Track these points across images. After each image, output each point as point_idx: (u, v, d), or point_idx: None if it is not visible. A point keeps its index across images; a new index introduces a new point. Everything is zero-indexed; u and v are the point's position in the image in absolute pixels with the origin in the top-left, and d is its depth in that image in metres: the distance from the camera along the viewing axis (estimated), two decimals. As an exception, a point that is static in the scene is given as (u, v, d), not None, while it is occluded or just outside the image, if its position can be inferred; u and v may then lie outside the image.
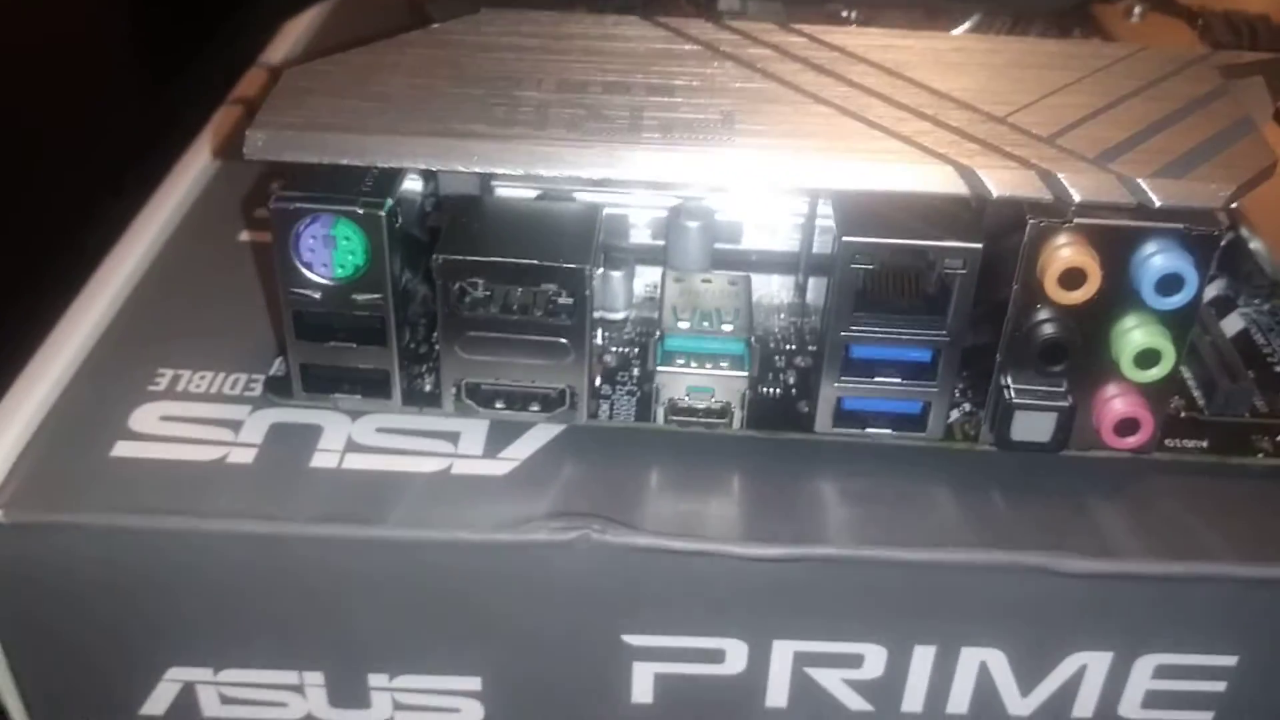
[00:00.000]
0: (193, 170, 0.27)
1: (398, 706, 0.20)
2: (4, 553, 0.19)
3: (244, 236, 0.25)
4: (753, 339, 0.20)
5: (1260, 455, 0.20)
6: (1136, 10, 0.32)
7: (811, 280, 0.23)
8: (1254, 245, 0.23)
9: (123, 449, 0.20)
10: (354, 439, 0.20)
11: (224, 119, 0.30)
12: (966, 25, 0.26)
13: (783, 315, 0.22)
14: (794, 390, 0.21)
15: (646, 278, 0.23)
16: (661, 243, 0.23)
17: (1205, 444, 0.20)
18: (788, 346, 0.22)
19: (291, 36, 0.33)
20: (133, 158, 0.32)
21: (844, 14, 0.26)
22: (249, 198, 0.26)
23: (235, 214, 0.26)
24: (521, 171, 0.18)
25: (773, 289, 0.23)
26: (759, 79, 0.20)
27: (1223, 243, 0.18)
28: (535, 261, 0.19)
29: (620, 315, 0.22)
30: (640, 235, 0.23)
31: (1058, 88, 0.20)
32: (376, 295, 0.19)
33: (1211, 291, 0.24)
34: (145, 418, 0.21)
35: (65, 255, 0.31)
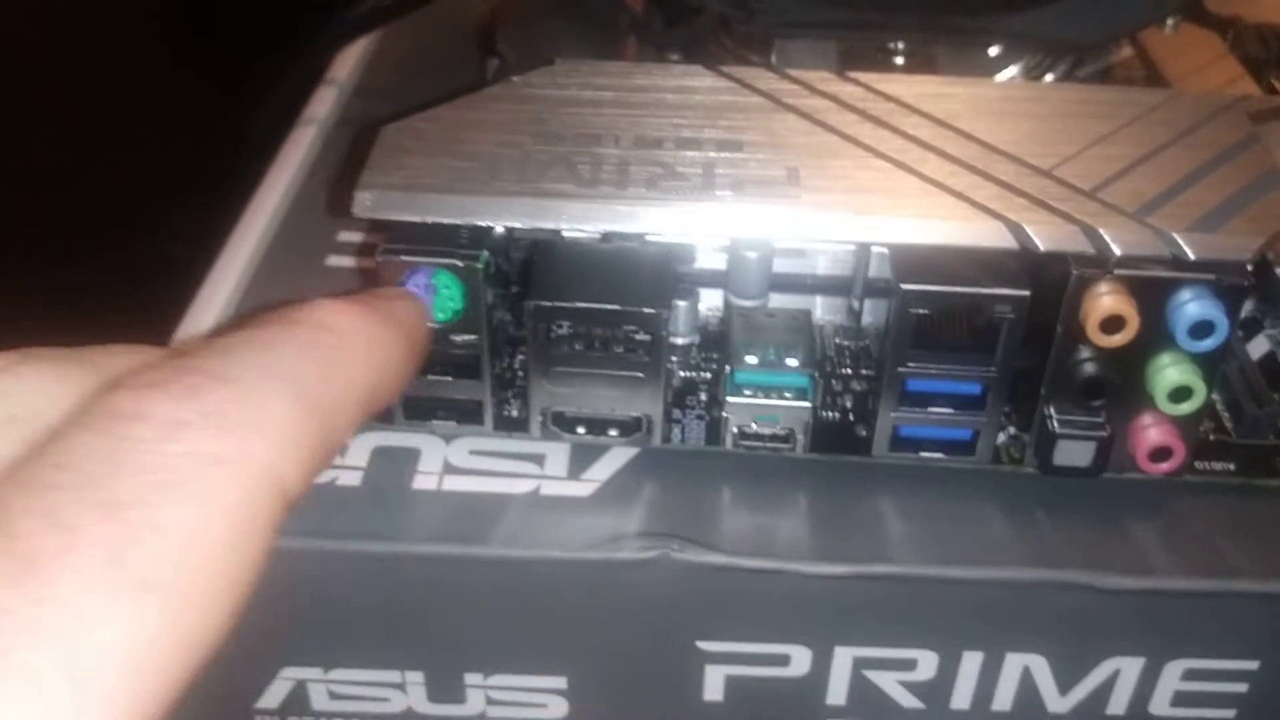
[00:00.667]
0: (276, 194, 0.29)
1: (490, 702, 0.23)
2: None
3: (331, 260, 0.27)
4: (815, 373, 0.22)
5: (1283, 476, 0.22)
6: (1170, 21, 0.33)
7: (867, 302, 0.24)
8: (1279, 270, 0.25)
9: (239, 473, 0.22)
10: (450, 461, 0.22)
11: (299, 139, 0.31)
12: (1015, 69, 0.28)
13: (839, 338, 0.24)
14: (851, 415, 0.23)
15: (708, 300, 0.25)
16: (723, 267, 0.24)
17: (1233, 466, 0.22)
18: (844, 370, 0.23)
19: (353, 55, 0.35)
20: (207, 175, 0.33)
21: (892, 46, 0.27)
22: (334, 222, 0.28)
23: (321, 237, 0.28)
24: (607, 229, 0.20)
25: (829, 310, 0.25)
26: (820, 132, 0.21)
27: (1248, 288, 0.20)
28: (617, 307, 0.20)
29: (685, 340, 0.24)
30: (702, 259, 0.25)
31: (1098, 138, 0.21)
32: (472, 336, 0.21)
33: (1239, 313, 0.25)
34: (257, 443, 0.22)
35: (158, 273, 0.33)
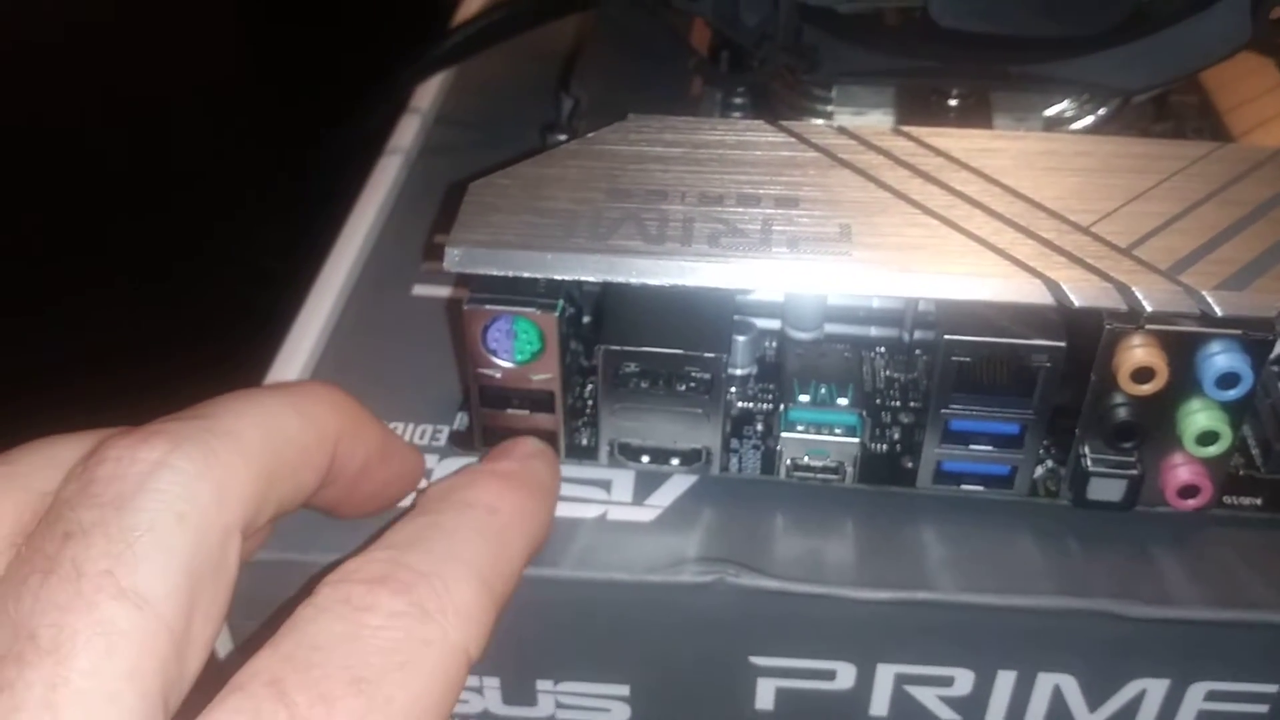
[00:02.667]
0: (364, 224, 0.31)
1: (559, 706, 0.25)
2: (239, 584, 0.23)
3: (417, 290, 0.29)
4: (864, 412, 0.23)
5: (1309, 512, 0.23)
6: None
7: (917, 334, 0.26)
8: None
9: (336, 493, 0.24)
10: (525, 486, 0.24)
11: (387, 165, 0.33)
12: (1067, 104, 0.29)
13: (890, 370, 0.26)
14: (899, 447, 0.24)
15: (764, 324, 0.26)
16: (780, 299, 0.26)
17: (1260, 501, 0.23)
18: (894, 403, 0.25)
19: (435, 85, 0.37)
20: (299, 196, 0.36)
21: (950, 92, 0.29)
22: (419, 252, 0.30)
23: (408, 268, 0.30)
24: (672, 283, 0.21)
25: (879, 339, 0.26)
26: (872, 188, 0.23)
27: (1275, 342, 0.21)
28: (680, 351, 0.22)
29: (743, 371, 0.26)
30: (762, 291, 0.26)
31: (1139, 193, 0.23)
32: (548, 374, 0.23)
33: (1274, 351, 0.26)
34: (352, 465, 0.25)
35: (253, 284, 0.35)
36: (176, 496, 0.16)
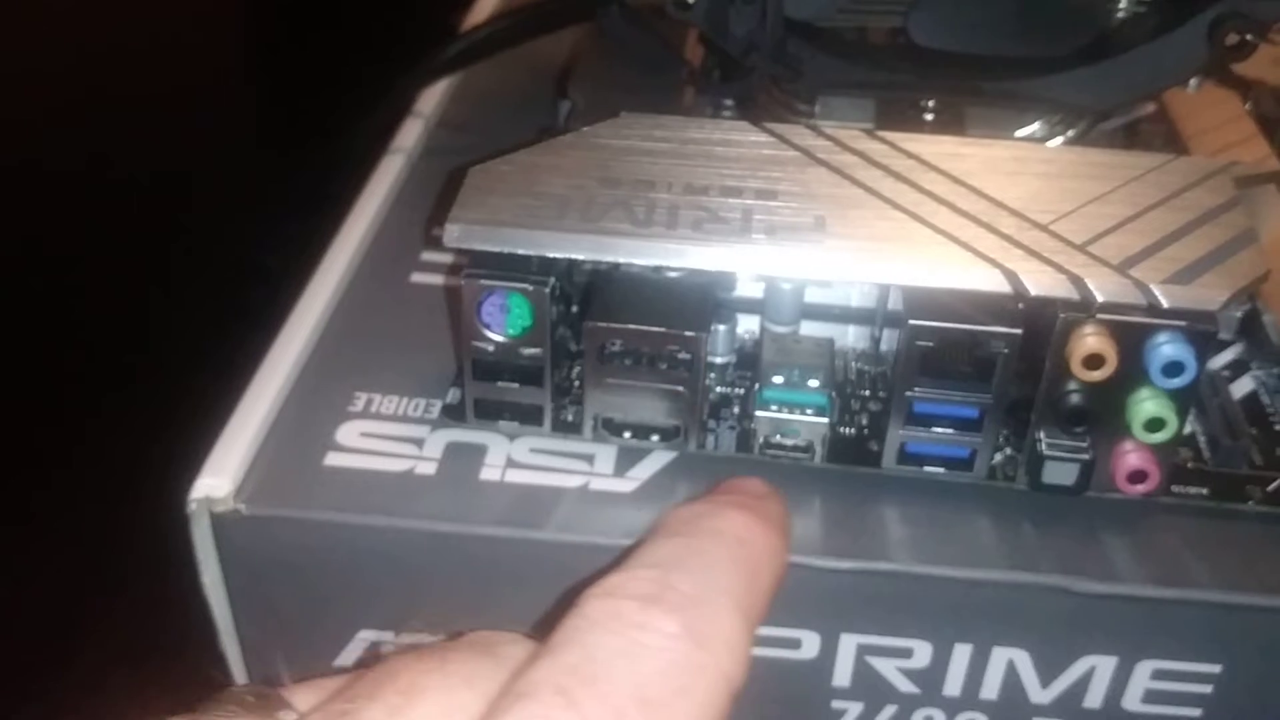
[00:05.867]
0: (367, 216, 0.33)
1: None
2: (242, 539, 0.25)
3: (415, 278, 0.31)
4: (833, 393, 0.25)
5: (1251, 502, 0.25)
6: (1193, 81, 0.36)
7: (885, 331, 0.27)
8: (1266, 318, 0.27)
9: (333, 459, 0.25)
10: (513, 457, 0.25)
11: (388, 166, 0.35)
12: (1038, 124, 0.30)
13: (860, 363, 0.27)
14: (866, 430, 0.26)
15: (746, 324, 0.28)
16: (760, 295, 0.28)
17: (1206, 491, 0.25)
18: (863, 392, 0.26)
19: (438, 91, 0.38)
20: (302, 195, 0.37)
21: (924, 103, 0.30)
22: (418, 243, 0.32)
23: (406, 257, 0.31)
24: (657, 263, 0.23)
25: (850, 339, 0.28)
26: (847, 185, 0.24)
27: (1219, 334, 0.22)
28: (663, 329, 0.24)
29: (722, 359, 0.27)
30: (743, 288, 0.28)
31: (1095, 197, 0.24)
32: (537, 350, 0.24)
33: (1228, 355, 0.28)
34: (349, 433, 0.26)
35: (254, 281, 0.37)
36: None
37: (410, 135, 0.36)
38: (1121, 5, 0.30)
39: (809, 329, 0.27)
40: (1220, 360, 0.28)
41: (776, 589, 0.20)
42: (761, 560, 0.19)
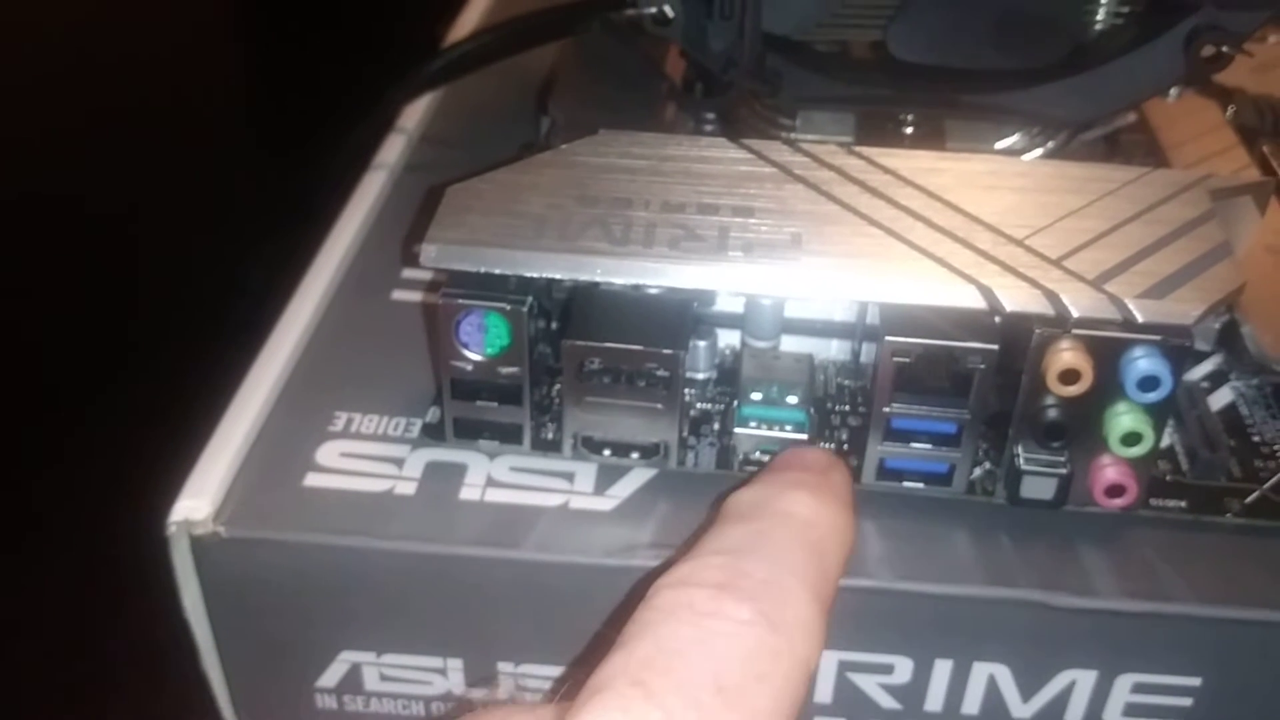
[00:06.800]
0: (349, 232, 0.33)
1: (520, 688, 0.26)
2: (222, 561, 0.25)
3: (395, 295, 0.31)
4: (811, 409, 0.25)
5: (1229, 515, 0.25)
6: (1173, 91, 0.36)
7: (865, 346, 0.27)
8: (1244, 329, 0.27)
9: (312, 479, 0.25)
10: (493, 476, 0.25)
11: (370, 182, 0.35)
12: (1018, 136, 0.30)
13: (841, 378, 0.27)
14: (846, 446, 0.26)
15: (726, 338, 0.28)
16: (740, 311, 0.28)
17: (1184, 504, 0.25)
18: (843, 406, 0.26)
19: (421, 106, 0.38)
20: (285, 212, 0.37)
21: (903, 117, 0.30)
22: (398, 259, 0.32)
23: (387, 274, 0.31)
24: (635, 282, 0.23)
25: (832, 353, 0.28)
26: (823, 201, 0.24)
27: (1196, 346, 0.22)
28: (641, 347, 0.24)
29: (703, 375, 0.27)
30: (724, 303, 0.28)
31: (1071, 211, 0.24)
32: (515, 368, 0.24)
33: (1207, 366, 0.28)
34: (328, 453, 0.26)
35: (237, 297, 0.37)
36: None
37: (393, 150, 0.36)
38: (1098, 18, 0.30)
39: (790, 343, 0.27)
40: (1199, 371, 0.28)
41: (845, 567, 0.20)
42: (829, 541, 0.20)
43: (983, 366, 0.23)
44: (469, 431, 0.25)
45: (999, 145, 0.32)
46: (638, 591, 0.18)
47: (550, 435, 0.26)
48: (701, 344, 0.27)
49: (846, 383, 0.27)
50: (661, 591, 0.18)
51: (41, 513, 0.65)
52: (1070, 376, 0.22)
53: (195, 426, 0.27)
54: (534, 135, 0.33)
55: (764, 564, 0.18)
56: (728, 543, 0.19)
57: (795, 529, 0.19)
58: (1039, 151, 0.32)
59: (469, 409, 0.25)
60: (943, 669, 0.24)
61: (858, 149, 0.26)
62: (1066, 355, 0.22)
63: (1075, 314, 0.22)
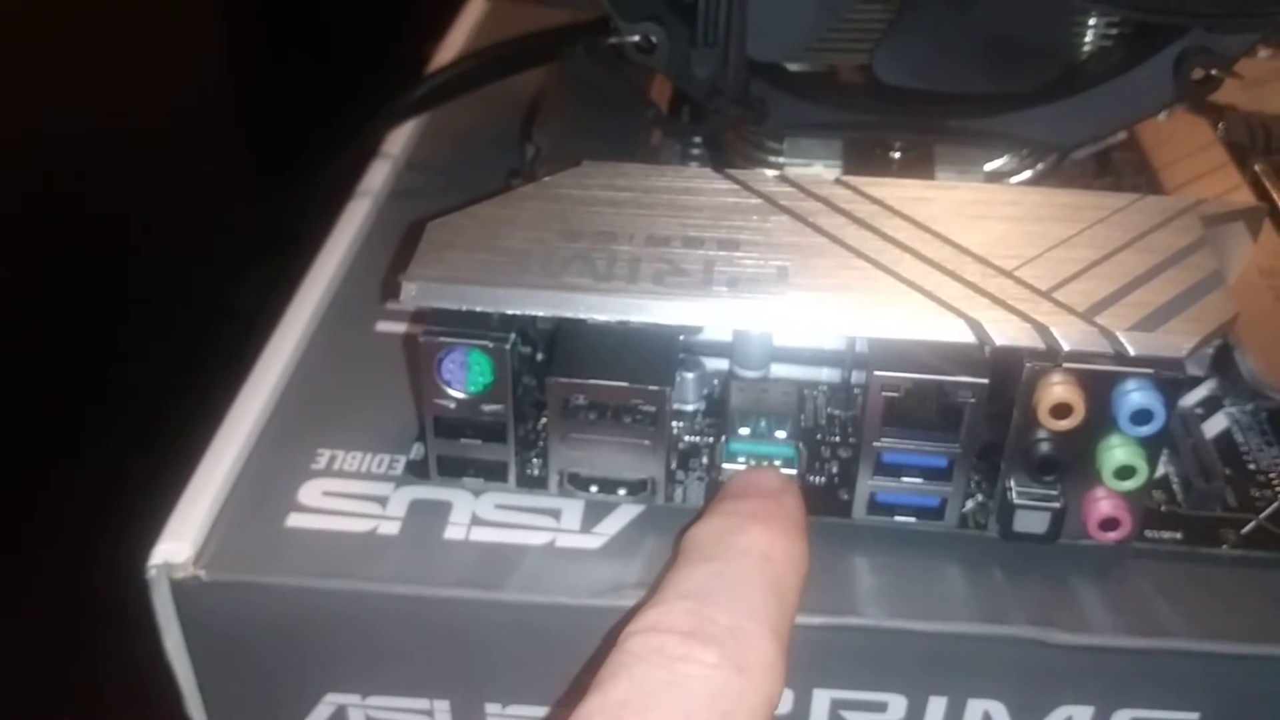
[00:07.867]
0: (334, 261, 0.32)
1: (508, 729, 0.25)
2: (204, 604, 0.24)
3: (380, 327, 0.30)
4: (800, 444, 0.24)
5: (1226, 546, 0.24)
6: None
7: (855, 373, 0.27)
8: (1238, 354, 0.27)
9: (294, 520, 0.25)
10: (478, 514, 0.25)
11: (356, 209, 0.35)
12: (1007, 158, 0.30)
13: (831, 407, 0.27)
14: (836, 479, 0.25)
15: (716, 364, 0.28)
16: (728, 340, 0.27)
17: (1180, 535, 0.24)
18: (833, 438, 0.26)
19: (405, 132, 0.38)
20: (270, 238, 0.37)
21: (894, 144, 0.30)
22: (381, 290, 0.31)
23: (371, 305, 0.31)
24: (618, 319, 0.22)
25: (823, 376, 0.27)
26: (810, 233, 0.24)
27: (1190, 374, 0.22)
28: (626, 384, 0.23)
29: (691, 407, 0.27)
30: (712, 332, 0.27)
31: (1061, 240, 0.24)
32: (499, 406, 0.24)
33: (1201, 392, 0.28)
34: (311, 493, 0.26)
35: (222, 323, 0.36)
36: None
37: (378, 176, 0.36)
38: (1087, 41, 0.30)
39: (779, 369, 0.27)
40: (1193, 397, 0.27)
41: (802, 596, 0.21)
42: (786, 575, 0.21)
43: (973, 401, 0.23)
44: (453, 469, 0.25)
45: (988, 167, 0.32)
46: (614, 633, 0.20)
47: (536, 472, 0.25)
48: (689, 375, 0.27)
49: (836, 412, 0.27)
50: (633, 637, 0.19)
51: (23, 548, 0.65)
52: (1062, 411, 0.22)
53: (178, 464, 0.26)
54: (519, 161, 0.32)
55: (726, 609, 0.19)
56: (691, 585, 0.20)
57: (755, 566, 0.21)
58: (1029, 173, 0.32)
59: (453, 447, 0.25)
60: (937, 706, 0.24)
61: (844, 178, 0.25)
62: (1058, 389, 0.22)
63: (1066, 347, 0.22)
